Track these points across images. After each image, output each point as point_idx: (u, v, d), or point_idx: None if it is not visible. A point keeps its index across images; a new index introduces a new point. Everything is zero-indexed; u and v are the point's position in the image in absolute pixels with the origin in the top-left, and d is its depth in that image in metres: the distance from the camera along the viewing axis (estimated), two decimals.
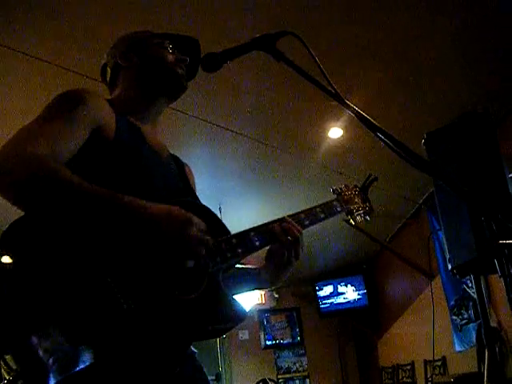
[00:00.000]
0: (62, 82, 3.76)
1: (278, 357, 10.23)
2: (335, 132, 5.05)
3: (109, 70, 1.82)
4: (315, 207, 1.83)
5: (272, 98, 4.44)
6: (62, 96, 1.50)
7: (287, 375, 10.09)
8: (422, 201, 6.63)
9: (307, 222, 1.75)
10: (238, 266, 1.64)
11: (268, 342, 10.21)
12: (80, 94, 1.51)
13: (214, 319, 1.42)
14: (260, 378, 7.95)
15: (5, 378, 1.19)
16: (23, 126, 1.39)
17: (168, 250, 1.34)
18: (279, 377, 10.00)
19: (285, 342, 10.30)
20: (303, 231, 1.67)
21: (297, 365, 10.19)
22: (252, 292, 1.65)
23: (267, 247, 1.64)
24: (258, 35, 1.49)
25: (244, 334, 9.90)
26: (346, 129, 4.96)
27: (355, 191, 2.08)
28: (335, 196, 2.00)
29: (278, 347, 10.26)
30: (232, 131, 4.78)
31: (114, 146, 1.52)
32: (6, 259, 1.21)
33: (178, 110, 4.16)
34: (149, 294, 1.31)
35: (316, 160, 5.42)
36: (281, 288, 9.99)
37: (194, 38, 1.90)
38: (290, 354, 10.28)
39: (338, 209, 1.95)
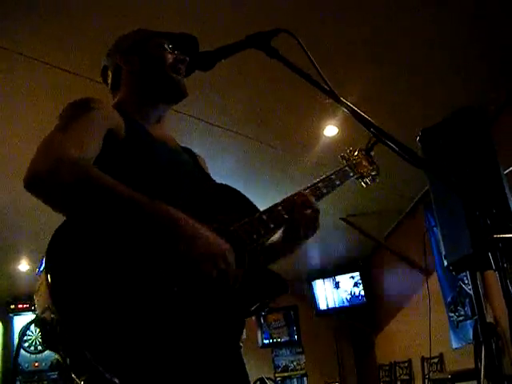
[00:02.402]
0: (65, 85, 3.75)
1: (276, 355, 10.26)
2: (330, 130, 5.05)
3: (110, 72, 1.83)
4: (330, 175, 1.90)
5: (267, 96, 4.43)
6: (72, 104, 1.55)
7: (285, 374, 10.11)
8: (417, 198, 6.64)
9: (325, 190, 1.82)
10: None
11: (265, 341, 10.23)
12: (87, 100, 1.56)
13: (260, 294, 1.49)
14: (257, 377, 7.96)
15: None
16: (45, 137, 1.42)
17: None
18: (277, 375, 10.02)
19: (282, 340, 10.32)
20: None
21: (294, 363, 10.20)
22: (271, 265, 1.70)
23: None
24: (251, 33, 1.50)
25: None
26: (341, 127, 4.96)
27: (361, 154, 2.13)
28: (344, 162, 2.05)
29: (275, 346, 10.28)
30: (226, 129, 4.78)
31: (126, 145, 1.56)
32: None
33: (176, 110, 4.15)
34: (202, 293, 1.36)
35: (311, 158, 5.41)
36: None
37: (192, 35, 1.90)
38: (288, 352, 10.30)
39: (351, 174, 2.02)
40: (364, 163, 2.11)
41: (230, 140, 5.02)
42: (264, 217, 1.60)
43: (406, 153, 1.24)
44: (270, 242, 1.73)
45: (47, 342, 1.21)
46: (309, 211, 1.67)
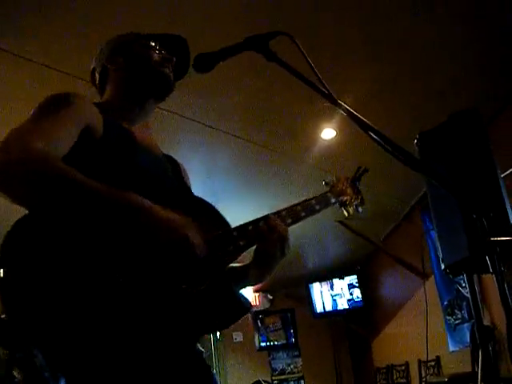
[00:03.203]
0: (62, 86, 3.75)
1: (273, 358, 10.24)
2: (328, 133, 5.05)
3: (97, 74, 1.83)
4: (311, 199, 1.86)
5: (264, 98, 4.43)
6: (50, 98, 1.53)
7: (282, 377, 10.10)
8: (415, 201, 6.65)
9: (303, 214, 1.77)
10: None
11: (262, 344, 10.22)
12: (67, 95, 1.54)
13: (220, 311, 1.44)
14: (254, 380, 7.96)
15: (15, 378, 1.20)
16: (15, 127, 1.39)
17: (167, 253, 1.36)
18: (274, 378, 10.01)
19: (279, 343, 10.31)
20: (303, 221, 1.73)
21: (291, 366, 10.19)
22: (243, 289, 1.66)
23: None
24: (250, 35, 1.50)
25: (238, 336, 9.90)
26: (338, 129, 4.96)
27: (347, 183, 2.11)
28: (328, 188, 2.03)
29: (272, 349, 10.26)
30: (224, 132, 4.77)
31: (102, 145, 1.53)
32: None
33: (170, 111, 4.16)
34: (156, 287, 1.33)
35: (309, 161, 5.41)
36: (275, 289, 10.00)
37: (181, 36, 1.90)
38: (285, 355, 10.28)
39: (332, 200, 1.99)
40: (348, 192, 2.09)
41: (228, 143, 5.02)
42: (234, 233, 1.57)
43: (403, 154, 1.25)
44: (240, 265, 1.70)
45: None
46: (276, 235, 1.60)
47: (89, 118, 1.53)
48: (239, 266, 1.68)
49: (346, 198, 2.07)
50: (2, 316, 1.17)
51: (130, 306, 1.26)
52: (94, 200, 1.30)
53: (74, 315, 1.20)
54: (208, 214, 1.57)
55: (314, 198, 1.88)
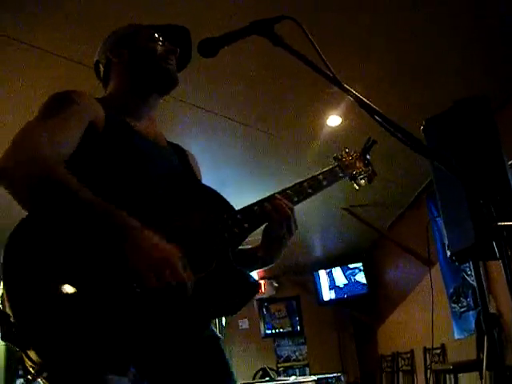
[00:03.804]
0: (70, 74, 3.74)
1: (278, 345, 10.29)
2: (334, 120, 5.03)
3: (101, 66, 1.84)
4: (317, 175, 1.84)
5: (269, 86, 4.41)
6: (52, 98, 1.56)
7: (287, 364, 10.15)
8: (421, 189, 6.63)
9: (310, 191, 1.77)
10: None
11: (268, 331, 10.27)
12: (68, 94, 1.57)
13: (229, 294, 1.46)
14: (260, 367, 7.99)
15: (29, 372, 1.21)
16: (21, 129, 1.44)
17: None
18: (279, 365, 10.06)
19: (284, 330, 10.35)
20: (311, 198, 1.72)
21: (296, 353, 10.24)
22: (253, 272, 1.66)
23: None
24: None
25: (244, 323, 9.94)
26: (344, 117, 4.94)
27: (356, 156, 2.08)
28: (336, 163, 2.00)
29: (277, 336, 10.31)
30: (230, 119, 4.76)
31: (104, 138, 1.55)
32: None
33: (176, 98, 4.14)
34: None
35: (315, 148, 5.40)
36: (280, 277, 10.02)
37: (183, 26, 1.89)
38: (290, 342, 10.33)
39: (340, 174, 1.96)
40: (358, 164, 2.06)
41: (234, 130, 5.01)
42: (239, 216, 1.58)
43: (409, 139, 1.24)
44: (251, 248, 1.71)
45: (4, 336, 1.22)
46: (281, 215, 1.61)
47: (91, 116, 1.56)
48: (249, 249, 1.70)
49: (355, 171, 2.04)
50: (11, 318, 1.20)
51: (137, 311, 1.30)
52: (85, 210, 1.34)
53: (77, 311, 1.24)
54: (213, 200, 1.58)
55: (320, 173, 1.86)
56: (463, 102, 2.63)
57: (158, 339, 1.31)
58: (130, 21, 1.93)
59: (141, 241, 1.32)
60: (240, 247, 1.61)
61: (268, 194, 1.66)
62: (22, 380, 8.62)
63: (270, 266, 1.74)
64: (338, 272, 9.72)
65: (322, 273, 9.80)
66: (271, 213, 1.59)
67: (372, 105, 1.29)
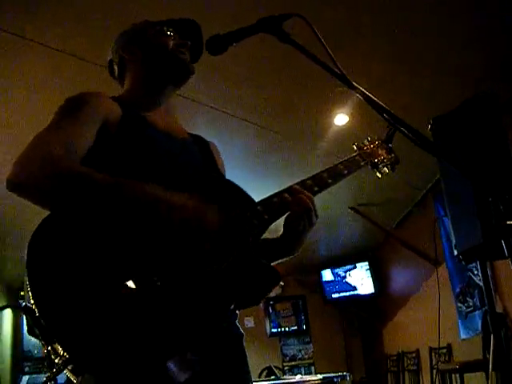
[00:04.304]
0: (80, 73, 3.75)
1: (284, 344, 10.28)
2: (341, 119, 5.03)
3: (115, 65, 1.85)
4: (337, 164, 1.82)
5: (278, 84, 4.42)
6: (66, 102, 1.58)
7: (293, 363, 10.14)
8: (428, 188, 6.61)
9: (330, 181, 1.75)
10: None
11: (273, 330, 10.26)
12: (82, 96, 1.59)
13: (251, 284, 1.47)
14: (265, 366, 7.99)
15: (54, 363, 1.22)
16: (37, 135, 1.45)
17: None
18: (284, 364, 10.05)
19: (290, 329, 10.34)
20: (317, 196, 1.69)
21: (302, 352, 10.23)
22: (274, 263, 1.67)
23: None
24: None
25: (249, 322, 9.93)
26: (351, 115, 4.94)
27: (378, 144, 2.05)
28: (357, 151, 1.98)
29: (283, 335, 10.30)
30: (237, 117, 4.77)
31: (119, 134, 1.56)
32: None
33: (183, 96, 4.15)
34: (179, 271, 1.36)
35: (322, 147, 5.40)
36: (286, 276, 10.01)
37: (192, 20, 1.90)
38: (296, 341, 10.32)
39: (362, 163, 1.93)
40: (380, 152, 2.02)
41: (241, 129, 5.01)
42: (259, 208, 1.58)
43: (417, 137, 1.23)
44: (271, 239, 1.71)
45: (29, 329, 1.24)
46: (301, 205, 1.60)
47: (105, 114, 1.57)
48: (271, 240, 1.70)
49: (377, 159, 2.01)
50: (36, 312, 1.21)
51: (163, 305, 1.30)
52: (112, 195, 1.35)
53: (98, 308, 1.24)
54: (233, 194, 1.59)
55: (340, 162, 1.84)
56: (470, 100, 2.62)
57: (185, 332, 1.30)
58: (141, 19, 1.93)
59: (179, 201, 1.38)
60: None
61: (271, 192, 1.65)
62: (27, 377, 8.66)
63: (291, 257, 1.74)
64: (344, 271, 9.71)
65: (328, 272, 9.79)
66: (291, 203, 1.59)
67: (379, 101, 1.29)
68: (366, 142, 2.04)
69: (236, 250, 1.46)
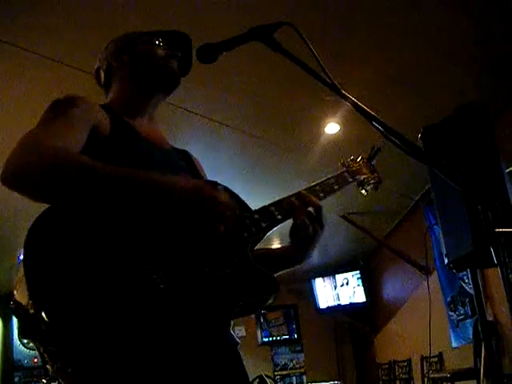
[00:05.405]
0: (75, 83, 3.75)
1: (275, 353, 10.26)
2: (332, 127, 5.05)
3: (102, 72, 1.84)
4: (329, 178, 1.86)
5: (267, 92, 4.42)
6: (55, 102, 1.54)
7: (284, 372, 10.12)
8: (418, 197, 6.64)
9: (322, 194, 1.77)
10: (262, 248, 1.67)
11: (265, 339, 10.24)
12: (71, 98, 1.56)
13: (248, 292, 1.45)
14: (257, 375, 7.96)
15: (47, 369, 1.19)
16: (24, 134, 1.40)
17: (195, 224, 1.38)
18: (276, 373, 10.03)
19: (282, 338, 10.32)
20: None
21: (293, 361, 10.22)
22: (279, 273, 1.67)
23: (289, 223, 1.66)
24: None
25: (241, 331, 9.90)
26: (342, 124, 4.96)
27: (362, 162, 2.10)
28: (344, 168, 2.01)
29: (274, 344, 10.28)
30: (228, 126, 4.77)
31: (109, 143, 1.54)
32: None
33: (175, 105, 4.15)
34: (182, 273, 1.34)
35: (312, 155, 5.41)
36: None
37: (184, 32, 1.90)
38: (287, 350, 10.31)
39: (350, 180, 1.98)
40: (364, 171, 2.08)
41: (233, 138, 5.02)
42: (256, 216, 1.58)
43: (407, 145, 1.24)
44: (278, 249, 1.72)
45: (21, 332, 1.20)
46: (310, 209, 1.63)
47: (95, 118, 1.55)
48: (274, 251, 1.72)
49: (362, 177, 2.06)
50: (31, 311, 1.17)
51: (157, 294, 1.27)
52: (116, 180, 1.34)
53: (102, 304, 1.20)
54: (233, 198, 1.57)
55: (331, 177, 1.88)
56: (461, 110, 2.64)
57: (180, 340, 1.29)
58: (132, 27, 1.94)
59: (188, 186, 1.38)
60: (265, 248, 1.63)
61: (268, 202, 1.66)
62: None
63: (298, 267, 1.74)
64: (335, 280, 9.71)
65: (319, 281, 9.79)
66: (298, 207, 1.61)
67: (369, 110, 1.29)
68: (349, 160, 2.09)
69: (236, 257, 1.46)
